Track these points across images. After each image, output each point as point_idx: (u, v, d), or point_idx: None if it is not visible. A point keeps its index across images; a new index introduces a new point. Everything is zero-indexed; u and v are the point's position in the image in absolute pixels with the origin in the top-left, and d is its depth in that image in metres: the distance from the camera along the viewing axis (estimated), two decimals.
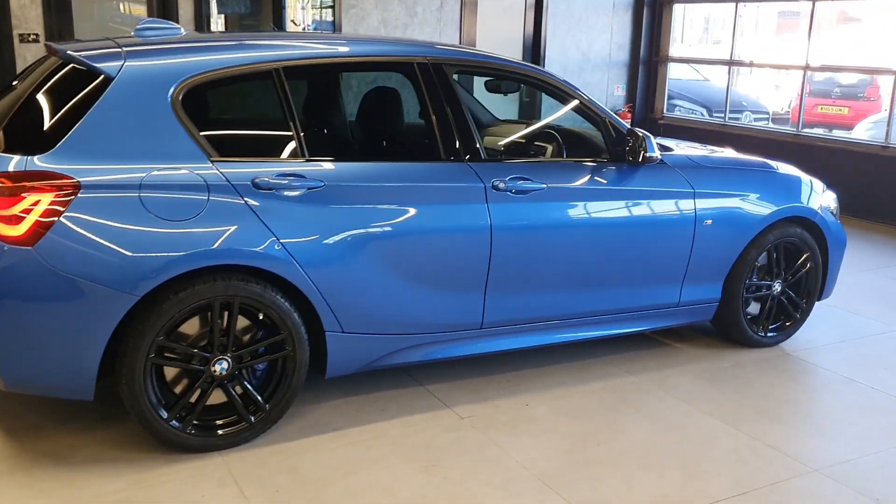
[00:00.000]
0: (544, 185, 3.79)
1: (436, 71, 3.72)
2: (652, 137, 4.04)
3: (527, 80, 4.12)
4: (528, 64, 4.10)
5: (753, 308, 4.64)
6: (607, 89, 10.25)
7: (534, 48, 9.68)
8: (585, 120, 4.19)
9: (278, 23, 8.85)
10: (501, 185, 3.68)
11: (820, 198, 4.68)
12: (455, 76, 3.79)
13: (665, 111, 10.41)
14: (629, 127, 4.12)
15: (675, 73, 11.60)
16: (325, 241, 3.32)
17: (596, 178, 3.99)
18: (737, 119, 11.18)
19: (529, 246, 3.80)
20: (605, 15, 10.04)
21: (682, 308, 4.34)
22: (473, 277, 3.69)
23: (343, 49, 3.77)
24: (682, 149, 4.69)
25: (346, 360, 3.53)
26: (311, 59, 3.57)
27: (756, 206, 4.37)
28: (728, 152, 5.01)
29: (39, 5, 7.26)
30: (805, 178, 4.76)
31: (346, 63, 3.91)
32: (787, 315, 4.73)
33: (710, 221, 4.23)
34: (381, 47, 4.07)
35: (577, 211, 3.90)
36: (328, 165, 3.42)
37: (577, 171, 4.00)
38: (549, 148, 4.32)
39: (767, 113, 11.52)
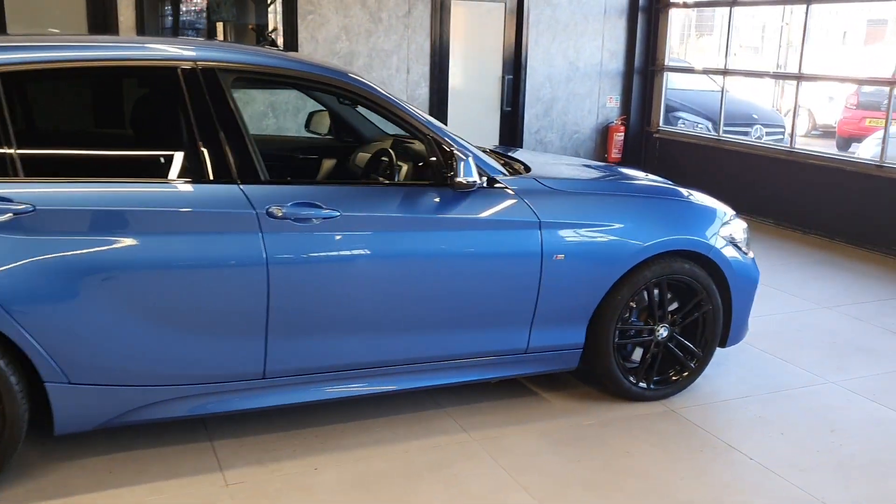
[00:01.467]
0: (338, 213, 3.25)
1: (206, 78, 3.22)
2: (472, 159, 3.42)
3: (331, 89, 3.56)
4: (336, 70, 3.52)
5: (639, 356, 4.00)
6: (599, 100, 9.57)
7: (515, 57, 9.09)
8: (413, 136, 3.62)
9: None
10: (279, 213, 3.16)
11: (721, 229, 4.00)
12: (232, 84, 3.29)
13: (661, 124, 9.66)
14: (463, 145, 3.53)
15: (687, 84, 10.83)
16: (36, 277, 2.86)
17: (410, 205, 3.41)
18: (746, 133, 10.35)
19: (319, 284, 3.26)
20: (596, 21, 9.37)
21: (532, 355, 3.73)
22: (248, 320, 3.18)
23: (81, 53, 3.19)
24: (550, 169, 4.08)
25: (80, 414, 3.06)
26: (31, 65, 3.08)
27: (625, 239, 3.73)
28: (618, 173, 4.37)
29: None
30: (706, 205, 4.09)
31: (81, 69, 3.17)
32: (679, 365, 4.06)
33: (561, 256, 3.62)
34: (133, 51, 3.31)
35: (381, 244, 3.34)
36: (45, 187, 2.95)
37: (390, 197, 3.43)
38: (382, 168, 3.78)
39: (782, 127, 10.62)
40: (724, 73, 8.88)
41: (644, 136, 9.74)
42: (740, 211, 8.49)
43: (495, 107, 9.21)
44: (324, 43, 8.21)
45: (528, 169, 3.93)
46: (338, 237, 3.25)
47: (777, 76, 10.46)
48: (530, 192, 3.63)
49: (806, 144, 9.05)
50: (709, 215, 4.02)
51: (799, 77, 7.88)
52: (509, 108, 9.21)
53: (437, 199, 3.44)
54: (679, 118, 10.38)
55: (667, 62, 9.53)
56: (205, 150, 3.16)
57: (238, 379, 3.25)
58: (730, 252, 4.00)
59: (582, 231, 3.65)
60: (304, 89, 3.98)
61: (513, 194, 3.57)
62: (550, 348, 3.75)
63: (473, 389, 3.98)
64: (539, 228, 3.57)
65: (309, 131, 4.92)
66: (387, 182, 3.64)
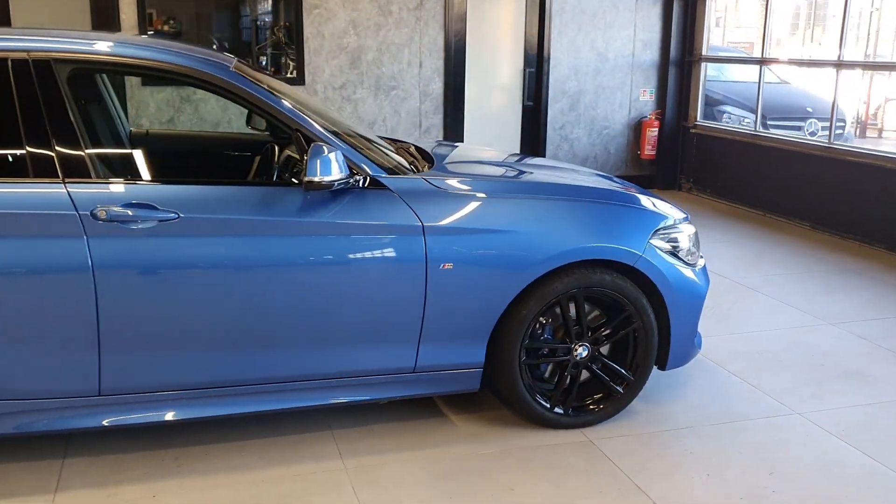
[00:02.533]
0: (176, 216, 2.94)
1: (38, 69, 2.96)
2: (338, 155, 3.02)
3: (179, 78, 3.20)
4: (186, 55, 3.17)
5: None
6: (631, 94, 8.98)
7: (538, 49, 8.61)
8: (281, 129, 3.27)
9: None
10: (103, 214, 2.88)
11: (655, 236, 3.50)
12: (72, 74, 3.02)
13: (699, 118, 8.99)
14: (332, 140, 3.16)
15: (737, 76, 10.10)
16: None
17: (264, 208, 3.07)
18: (798, 129, 9.56)
19: (155, 295, 2.96)
20: (627, 10, 8.79)
21: (422, 374, 3.33)
22: (76, 333, 2.91)
23: None
24: (461, 168, 3.67)
25: None
26: None
27: (528, 247, 3.29)
28: (553, 175, 3.91)
29: None
30: (638, 209, 3.61)
31: None
32: (605, 389, 3.58)
33: (449, 265, 3.21)
34: None
35: (228, 250, 3.01)
36: None
37: (244, 198, 3.10)
38: (291, 166, 3.46)
39: (843, 121, 9.73)
40: (762, 62, 8.16)
41: (681, 132, 9.09)
42: (776, 212, 7.83)
43: (516, 101, 8.76)
44: (330, 38, 7.96)
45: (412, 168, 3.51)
46: (176, 242, 2.95)
47: (813, 64, 9.59)
48: (416, 193, 3.23)
49: (867, 142, 8.24)
50: (639, 221, 3.53)
51: (839, 65, 7.12)
52: (531, 103, 8.74)
53: (298, 201, 3.09)
54: (724, 112, 9.65)
55: (705, 51, 8.85)
56: (29, 146, 2.91)
57: (71, 396, 2.99)
58: (665, 262, 3.50)
59: (475, 237, 3.24)
60: (147, 77, 3.61)
61: (394, 195, 3.19)
62: (444, 367, 3.35)
63: (371, 410, 3.62)
64: (422, 234, 3.17)
65: (250, 127, 4.65)
66: (241, 182, 3.31)
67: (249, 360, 3.11)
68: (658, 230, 3.53)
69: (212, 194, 3.06)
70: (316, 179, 2.94)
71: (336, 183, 3.00)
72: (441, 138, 8.48)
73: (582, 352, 3.50)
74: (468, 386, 3.43)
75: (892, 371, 4.24)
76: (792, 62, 10.28)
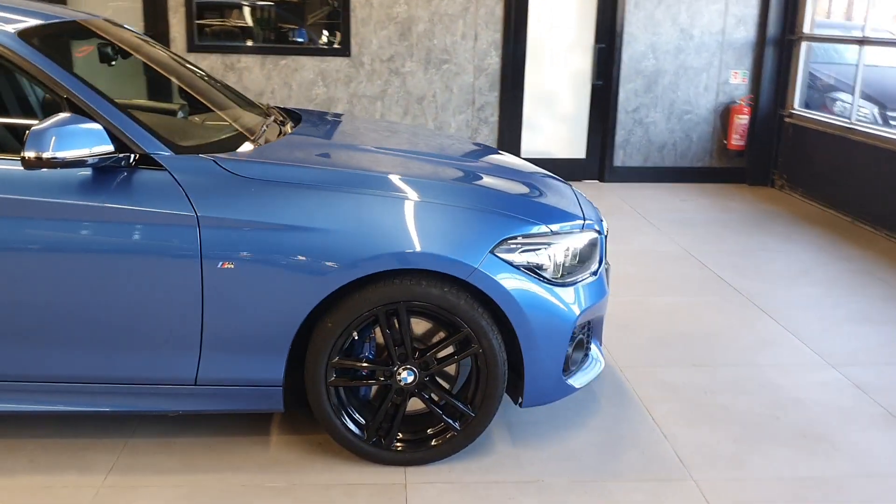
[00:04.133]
0: None
1: None
2: (79, 126, 2.59)
3: None
4: None
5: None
6: (719, 76, 7.95)
7: (611, 23, 7.79)
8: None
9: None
10: None
11: (506, 247, 2.87)
12: None
13: (797, 106, 7.80)
14: (103, 109, 2.77)
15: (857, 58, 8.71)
16: None
17: (15, 184, 2.73)
18: None
19: None
20: None
21: (206, 388, 2.91)
22: None
23: None
24: (305, 151, 3.15)
25: None
26: None
27: (332, 249, 2.77)
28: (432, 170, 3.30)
29: None
30: (488, 211, 2.96)
31: None
32: (439, 423, 3.01)
33: (230, 265, 2.76)
34: None
35: None
36: None
37: None
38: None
39: None
40: (861, 42, 6.91)
41: (776, 121, 7.94)
42: (865, 219, 6.56)
43: (584, 80, 7.99)
44: (379, 7, 7.57)
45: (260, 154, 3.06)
46: None
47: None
48: (198, 176, 2.79)
49: None
50: (480, 226, 2.89)
51: None
52: (601, 82, 7.93)
53: (53, 179, 2.73)
54: (836, 100, 8.35)
55: (810, 29, 7.65)
56: None
57: None
58: (515, 278, 2.86)
59: (264, 234, 2.76)
60: None
61: (167, 178, 2.77)
62: (234, 382, 2.91)
63: (191, 420, 3.24)
64: (196, 225, 2.74)
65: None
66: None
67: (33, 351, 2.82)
68: (508, 240, 2.89)
69: None
70: (37, 155, 2.56)
71: (56, 161, 2.58)
72: (497, 117, 7.88)
73: (406, 376, 2.94)
74: (269, 405, 2.97)
75: (864, 439, 3.33)
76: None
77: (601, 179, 8.17)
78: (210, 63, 7.61)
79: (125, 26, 3.90)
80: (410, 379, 2.95)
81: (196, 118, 3.73)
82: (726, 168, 8.16)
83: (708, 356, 4.07)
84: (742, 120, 7.87)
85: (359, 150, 3.39)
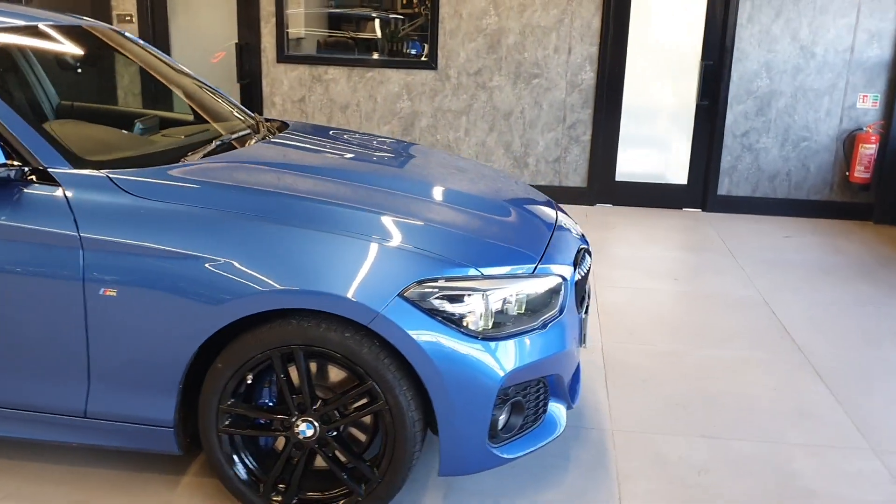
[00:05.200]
0: None
1: None
2: None
3: None
4: None
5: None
6: (844, 99, 7.06)
7: (720, 37, 7.10)
8: None
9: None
10: None
11: (421, 290, 2.50)
12: None
13: None
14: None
15: None
16: None
17: None
18: None
19: None
20: None
21: (97, 422, 2.72)
22: None
23: None
24: (228, 169, 2.89)
25: None
26: None
27: (218, 282, 2.51)
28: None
29: None
30: (413, 249, 2.59)
31: None
32: (340, 483, 2.68)
33: (111, 292, 2.56)
34: None
35: None
36: None
37: None
38: None
39: None
40: None
41: None
42: None
43: (688, 100, 7.33)
44: (468, 18, 7.28)
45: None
46: None
47: None
48: (88, 193, 2.61)
49: None
50: (390, 264, 2.54)
51: None
52: (706, 102, 7.25)
53: None
54: None
55: None
56: None
57: None
58: (427, 328, 2.48)
59: (149, 260, 2.54)
60: None
61: (56, 195, 2.60)
62: (124, 419, 2.71)
63: (98, 451, 3.07)
64: (80, 247, 2.56)
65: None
66: None
67: None
68: (424, 282, 2.51)
69: None
70: None
71: None
72: (589, 136, 7.38)
73: (305, 429, 2.62)
74: (164, 447, 2.74)
75: None
76: None
77: (703, 209, 7.46)
78: (298, 74, 7.59)
79: (124, 34, 3.83)
80: (309, 433, 2.63)
81: (169, 130, 3.59)
82: (850, 203, 7.23)
83: (726, 425, 3.47)
84: (868, 150, 6.93)
85: (301, 173, 3.09)
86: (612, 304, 4.89)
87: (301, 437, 2.64)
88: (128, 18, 7.73)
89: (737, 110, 7.20)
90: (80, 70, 3.57)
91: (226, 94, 4.11)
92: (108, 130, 3.30)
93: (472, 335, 2.54)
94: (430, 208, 2.92)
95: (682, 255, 6.01)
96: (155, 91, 4.04)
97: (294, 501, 2.69)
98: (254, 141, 3.44)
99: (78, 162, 2.68)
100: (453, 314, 2.53)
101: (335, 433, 2.65)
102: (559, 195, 7.47)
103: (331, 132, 4.01)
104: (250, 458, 2.73)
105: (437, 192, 3.14)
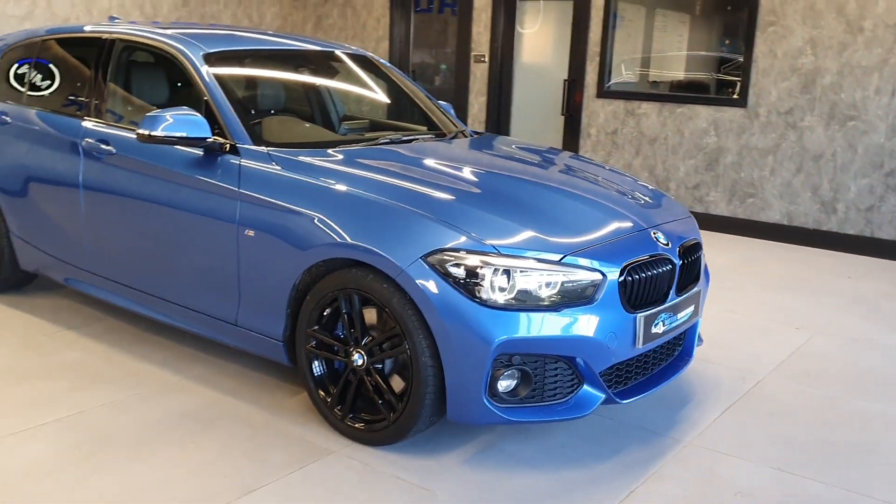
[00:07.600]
0: (114, 150, 4.05)
1: (108, 46, 4.37)
2: (194, 118, 3.62)
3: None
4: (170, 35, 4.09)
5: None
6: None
7: None
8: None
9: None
10: (85, 145, 4.19)
11: (440, 256, 3.03)
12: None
13: None
14: (224, 114, 3.76)
15: None
16: None
17: (164, 158, 3.89)
18: None
19: (106, 206, 4.13)
20: None
21: (241, 330, 3.69)
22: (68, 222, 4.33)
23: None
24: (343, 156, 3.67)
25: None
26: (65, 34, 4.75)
27: (306, 231, 3.33)
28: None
29: (489, 32, 8.90)
30: (437, 220, 3.14)
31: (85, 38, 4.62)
32: (377, 409, 3.30)
33: (251, 232, 3.52)
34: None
35: (128, 183, 4.00)
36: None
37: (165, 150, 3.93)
38: None
39: None
40: None
41: None
42: None
43: None
44: (783, 57, 7.17)
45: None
46: (113, 171, 4.06)
47: None
48: (251, 162, 3.60)
49: None
50: (417, 231, 3.10)
51: None
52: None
53: (186, 158, 3.79)
54: None
55: None
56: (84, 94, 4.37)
57: None
58: (440, 288, 3.00)
59: (274, 212, 3.44)
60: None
61: (234, 162, 3.63)
62: (254, 330, 3.63)
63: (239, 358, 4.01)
64: (238, 199, 3.56)
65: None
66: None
67: (147, 274, 4.02)
68: (444, 250, 3.02)
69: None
70: (146, 132, 3.64)
71: (176, 140, 3.61)
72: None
73: (357, 358, 3.29)
74: (276, 356, 3.60)
75: None
76: None
77: None
78: (613, 108, 8.11)
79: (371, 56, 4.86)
80: (360, 362, 3.28)
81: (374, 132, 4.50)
82: None
83: (815, 466, 3.27)
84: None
85: (412, 165, 3.73)
86: (819, 350, 4.61)
87: (355, 364, 3.29)
88: (482, 59, 8.95)
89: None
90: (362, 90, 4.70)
91: (448, 106, 4.93)
92: (310, 127, 4.31)
93: (478, 301, 2.97)
94: (489, 198, 3.39)
95: None
96: (398, 106, 4.99)
97: (350, 416, 3.34)
98: (420, 141, 4.17)
99: (258, 141, 3.69)
100: (465, 280, 2.99)
101: (379, 365, 3.26)
102: (868, 247, 6.89)
103: (498, 142, 4.58)
104: (325, 372, 3.44)
105: (516, 185, 3.58)
